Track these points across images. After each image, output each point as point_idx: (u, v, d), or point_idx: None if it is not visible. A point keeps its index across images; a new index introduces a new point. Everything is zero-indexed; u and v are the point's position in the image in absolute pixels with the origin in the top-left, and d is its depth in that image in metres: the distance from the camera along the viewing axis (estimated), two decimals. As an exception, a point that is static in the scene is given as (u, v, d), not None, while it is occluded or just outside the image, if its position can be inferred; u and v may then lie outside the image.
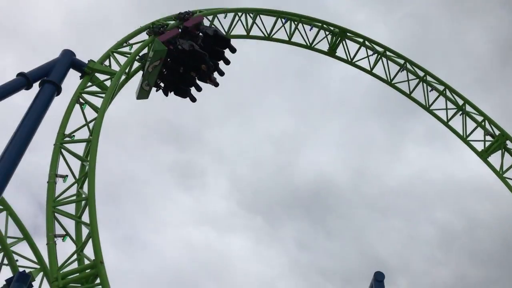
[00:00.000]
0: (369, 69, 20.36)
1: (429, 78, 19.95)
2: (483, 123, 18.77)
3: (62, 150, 11.57)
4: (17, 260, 11.46)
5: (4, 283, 10.78)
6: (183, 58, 13.60)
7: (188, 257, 47.93)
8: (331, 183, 49.09)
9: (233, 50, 14.63)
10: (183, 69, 13.75)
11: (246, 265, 49.65)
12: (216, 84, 14.03)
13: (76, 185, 11.41)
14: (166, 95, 14.27)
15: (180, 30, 14.09)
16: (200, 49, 13.75)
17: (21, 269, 11.21)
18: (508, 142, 17.81)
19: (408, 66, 20.07)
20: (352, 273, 45.12)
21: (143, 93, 13.79)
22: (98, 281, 10.00)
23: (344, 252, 49.01)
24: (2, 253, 11.44)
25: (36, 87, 11.78)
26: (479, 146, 18.66)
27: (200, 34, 14.45)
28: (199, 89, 14.19)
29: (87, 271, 10.10)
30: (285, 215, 51.18)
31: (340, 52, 20.37)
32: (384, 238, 48.42)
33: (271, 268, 49.69)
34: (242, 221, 50.90)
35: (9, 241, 11.66)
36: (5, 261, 11.50)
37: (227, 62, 14.57)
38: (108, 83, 13.02)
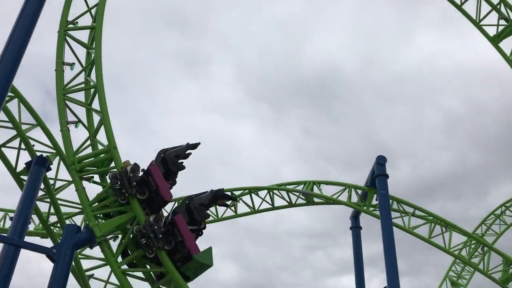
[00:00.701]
0: None
1: (445, -43, 18.74)
2: (498, 6, 18.03)
3: (67, 37, 11.49)
4: (33, 145, 11.90)
5: (24, 166, 11.36)
6: None
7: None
8: (338, 69, 48.68)
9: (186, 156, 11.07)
10: None
11: (252, 150, 51.26)
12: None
13: (83, 73, 11.53)
14: None
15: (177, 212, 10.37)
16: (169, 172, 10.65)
17: (38, 154, 11.70)
18: (522, 26, 17.28)
19: None
20: (356, 158, 46.68)
21: None
22: (112, 164, 10.56)
23: (348, 138, 50.22)
24: (18, 139, 11.86)
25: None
26: (492, 31, 18.15)
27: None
28: None
29: (101, 155, 10.63)
30: (291, 102, 51.60)
31: None
32: (389, 124, 49.23)
33: (277, 153, 51.37)
34: (249, 108, 51.52)
35: (23, 127, 12.01)
36: (22, 146, 11.94)
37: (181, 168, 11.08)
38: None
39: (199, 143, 10.87)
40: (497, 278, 17.91)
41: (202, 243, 10.08)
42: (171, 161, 10.63)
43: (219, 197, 10.85)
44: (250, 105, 51.25)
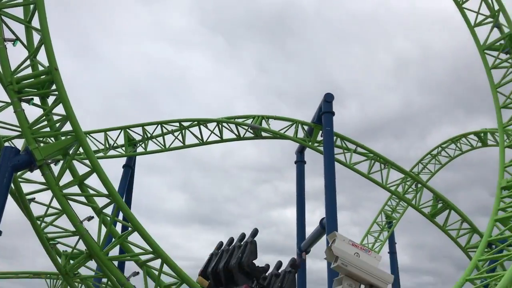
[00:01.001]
0: None
1: None
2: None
3: None
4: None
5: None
6: None
7: (145, 71, 48.13)
8: (296, 5, 47.94)
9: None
10: None
11: (204, 83, 50.73)
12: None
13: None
14: None
15: None
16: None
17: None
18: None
19: None
20: (307, 95, 47.32)
21: None
22: (54, 87, 10.19)
23: (301, 75, 50.54)
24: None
25: None
26: (446, -26, 18.26)
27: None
28: None
29: (42, 77, 10.20)
30: (247, 36, 50.75)
31: None
32: (342, 63, 49.77)
33: (230, 88, 51.13)
34: (203, 39, 50.31)
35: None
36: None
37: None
38: None
39: (257, 229, 10.42)
40: (427, 212, 19.26)
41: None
42: (253, 272, 10.17)
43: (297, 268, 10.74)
44: (204, 35, 50.04)
